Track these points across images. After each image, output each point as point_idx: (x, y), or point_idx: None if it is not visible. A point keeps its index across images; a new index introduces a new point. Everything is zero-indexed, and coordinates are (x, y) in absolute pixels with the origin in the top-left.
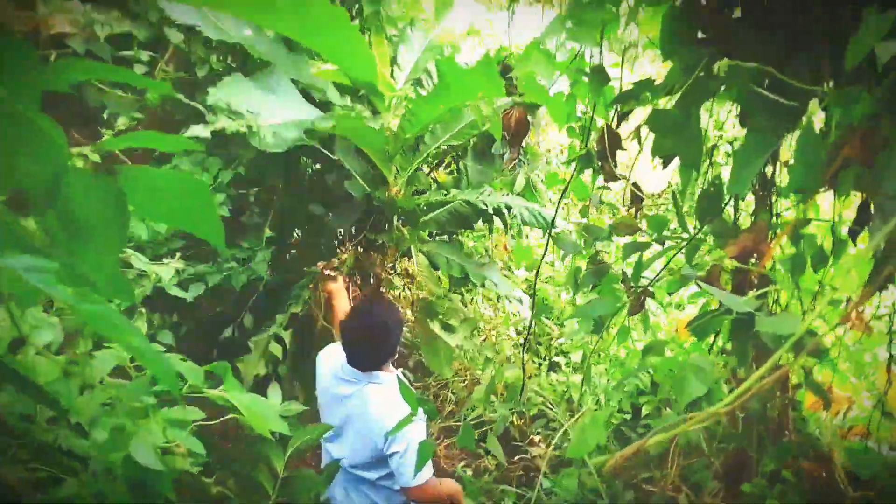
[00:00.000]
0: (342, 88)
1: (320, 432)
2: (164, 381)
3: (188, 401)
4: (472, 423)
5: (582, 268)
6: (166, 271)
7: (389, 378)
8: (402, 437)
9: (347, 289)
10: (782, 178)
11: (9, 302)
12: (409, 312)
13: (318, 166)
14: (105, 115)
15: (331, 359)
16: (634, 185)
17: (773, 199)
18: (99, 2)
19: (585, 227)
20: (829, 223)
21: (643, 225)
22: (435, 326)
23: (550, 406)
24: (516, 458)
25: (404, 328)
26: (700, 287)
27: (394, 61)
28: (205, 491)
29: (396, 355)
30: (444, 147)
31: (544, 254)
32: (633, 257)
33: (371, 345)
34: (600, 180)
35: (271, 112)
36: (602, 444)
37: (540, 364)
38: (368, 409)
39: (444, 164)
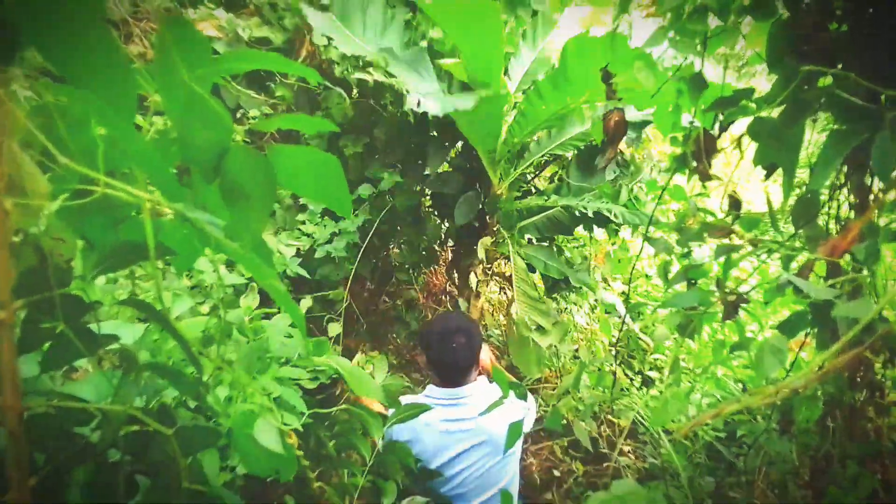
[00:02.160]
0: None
1: (419, 410)
2: (293, 317)
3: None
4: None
5: (674, 263)
6: (289, 250)
7: (483, 381)
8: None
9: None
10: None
11: (172, 262)
12: (501, 316)
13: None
14: (238, 115)
15: (417, 420)
16: (733, 192)
17: (876, 211)
18: (239, 9)
19: (679, 228)
20: None
21: (737, 228)
22: (527, 329)
23: (642, 420)
24: (604, 464)
25: (496, 331)
26: (791, 282)
27: (505, 71)
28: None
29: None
30: (549, 156)
31: (639, 253)
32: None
33: (459, 348)
34: (699, 188)
35: (417, 86)
36: (684, 413)
37: (632, 379)
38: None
39: (546, 172)
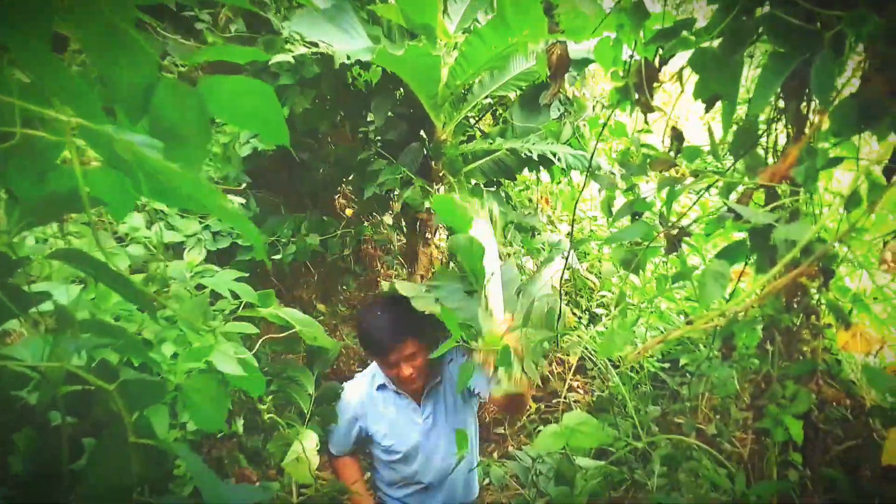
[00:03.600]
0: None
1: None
2: (250, 238)
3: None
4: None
5: (617, 199)
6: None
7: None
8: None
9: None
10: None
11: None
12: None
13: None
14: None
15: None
16: (674, 126)
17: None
18: None
19: (621, 162)
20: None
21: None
22: None
23: (591, 356)
24: (554, 401)
25: None
26: (732, 210)
27: (444, 11)
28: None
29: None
30: (492, 98)
31: (581, 189)
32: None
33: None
34: (641, 123)
35: (343, 42)
36: (630, 343)
37: (580, 317)
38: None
39: (490, 115)
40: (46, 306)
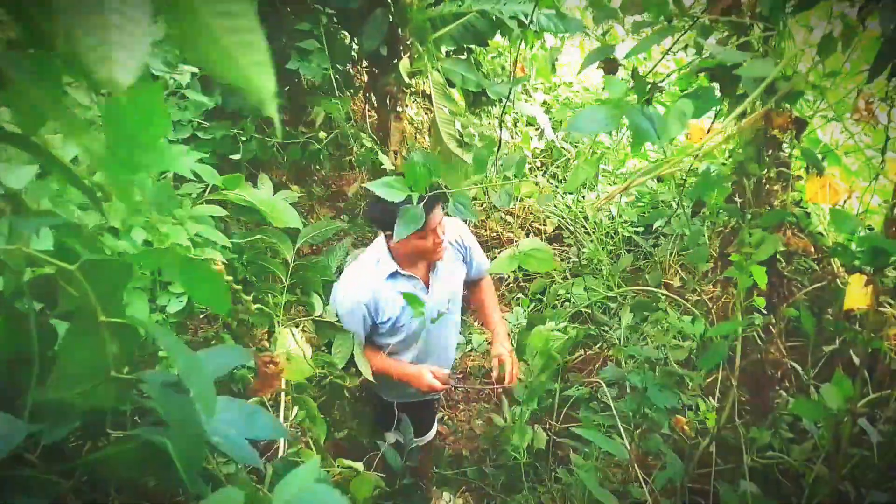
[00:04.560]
0: None
1: (328, 228)
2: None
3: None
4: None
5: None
6: (183, 77)
7: None
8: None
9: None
10: None
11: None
12: (426, 137)
13: None
14: None
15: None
16: None
17: None
18: None
19: (593, 4)
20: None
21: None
22: (451, 144)
23: (568, 225)
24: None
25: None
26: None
27: None
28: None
29: None
30: None
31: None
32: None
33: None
34: None
35: None
36: (591, 178)
37: (556, 187)
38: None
39: None
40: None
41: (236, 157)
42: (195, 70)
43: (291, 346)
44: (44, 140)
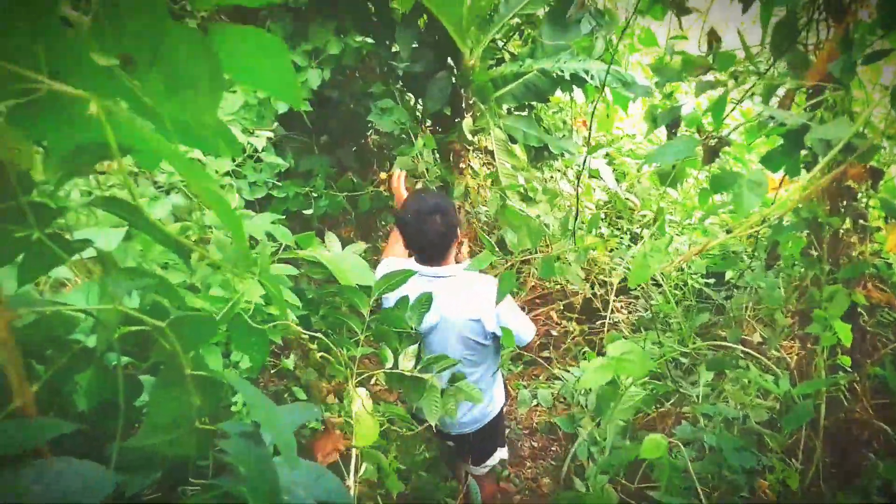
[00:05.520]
0: None
1: (403, 278)
2: (230, 224)
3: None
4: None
5: (658, 108)
6: (259, 142)
7: (465, 264)
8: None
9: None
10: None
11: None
12: (488, 192)
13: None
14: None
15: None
16: (711, 29)
17: (850, 26)
18: None
19: (656, 69)
20: None
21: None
22: (514, 199)
23: None
24: (597, 322)
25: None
26: (769, 116)
27: None
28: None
29: (459, 240)
30: (519, 17)
31: (595, 103)
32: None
33: (434, 230)
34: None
35: None
36: (665, 264)
37: (621, 238)
38: (468, 291)
39: (518, 35)
40: (91, 253)
41: (308, 212)
42: (270, 134)
43: (358, 408)
44: (138, 202)
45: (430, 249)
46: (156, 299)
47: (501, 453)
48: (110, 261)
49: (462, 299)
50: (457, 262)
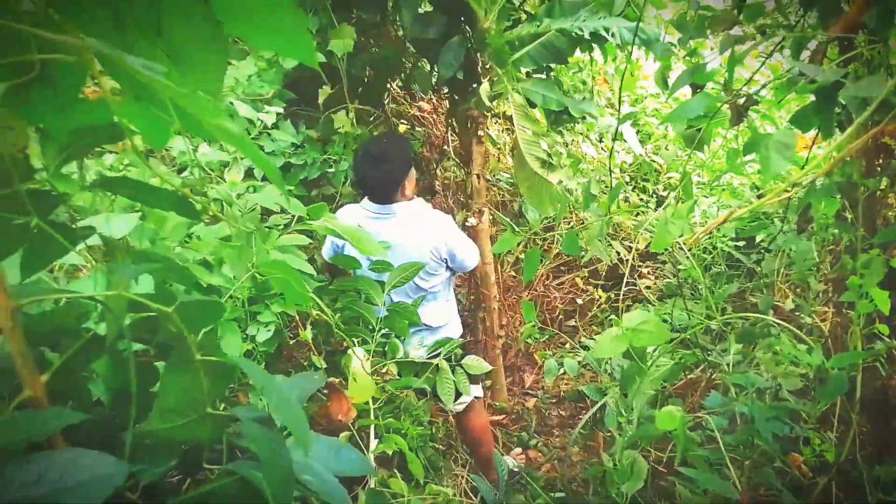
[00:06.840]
0: None
1: (416, 269)
2: (265, 168)
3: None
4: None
5: (675, 69)
6: (269, 118)
7: (416, 201)
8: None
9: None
10: None
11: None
12: (509, 159)
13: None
14: None
15: (352, 213)
16: None
17: None
18: None
19: (678, 25)
20: None
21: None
22: (535, 165)
23: None
24: (625, 288)
25: (505, 174)
26: (799, 71)
27: None
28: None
29: (409, 184)
30: None
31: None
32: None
33: (373, 175)
34: None
35: None
36: (687, 232)
37: (647, 201)
38: (413, 225)
39: None
40: (96, 240)
41: (328, 187)
42: (280, 110)
43: (356, 366)
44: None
45: (373, 191)
46: (163, 284)
47: (475, 390)
48: (115, 246)
49: (410, 232)
50: (408, 199)
